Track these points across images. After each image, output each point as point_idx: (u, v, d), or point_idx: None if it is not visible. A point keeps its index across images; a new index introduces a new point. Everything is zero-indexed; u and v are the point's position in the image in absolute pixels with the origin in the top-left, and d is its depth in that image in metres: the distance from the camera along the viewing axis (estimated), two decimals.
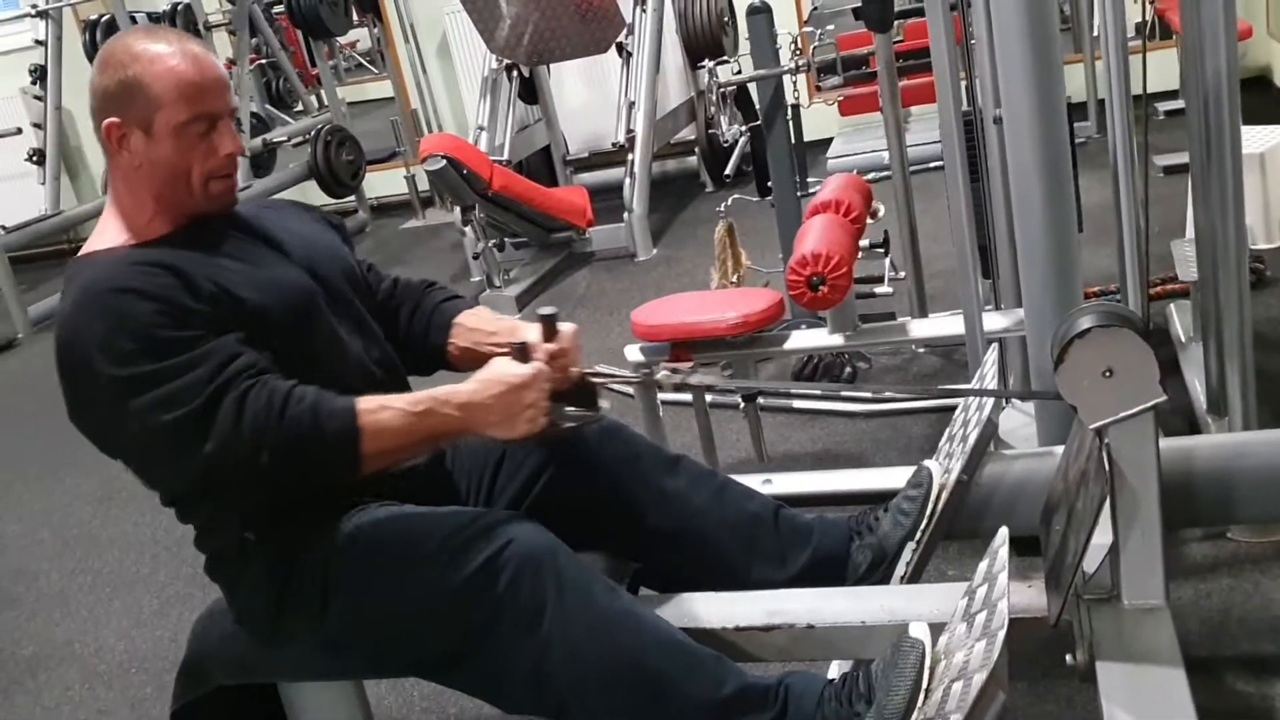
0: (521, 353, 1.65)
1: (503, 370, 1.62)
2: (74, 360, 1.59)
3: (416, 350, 1.92)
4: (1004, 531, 1.42)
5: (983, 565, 1.41)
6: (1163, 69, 2.46)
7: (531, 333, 1.75)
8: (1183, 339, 3.01)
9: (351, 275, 1.87)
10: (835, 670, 1.78)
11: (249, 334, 1.62)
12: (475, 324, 1.91)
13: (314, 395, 1.56)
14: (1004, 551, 1.38)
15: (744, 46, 4.21)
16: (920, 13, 2.62)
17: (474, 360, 1.82)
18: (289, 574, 1.65)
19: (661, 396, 3.08)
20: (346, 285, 1.83)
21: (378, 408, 1.58)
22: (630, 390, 2.99)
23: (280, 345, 1.65)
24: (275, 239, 1.79)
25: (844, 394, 3.25)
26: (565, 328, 1.75)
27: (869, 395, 3.21)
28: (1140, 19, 6.07)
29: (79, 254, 1.72)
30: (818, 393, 3.32)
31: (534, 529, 1.59)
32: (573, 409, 1.71)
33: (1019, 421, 2.63)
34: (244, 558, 1.69)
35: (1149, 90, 5.82)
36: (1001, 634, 1.26)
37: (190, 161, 1.66)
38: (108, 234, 1.72)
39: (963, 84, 2.73)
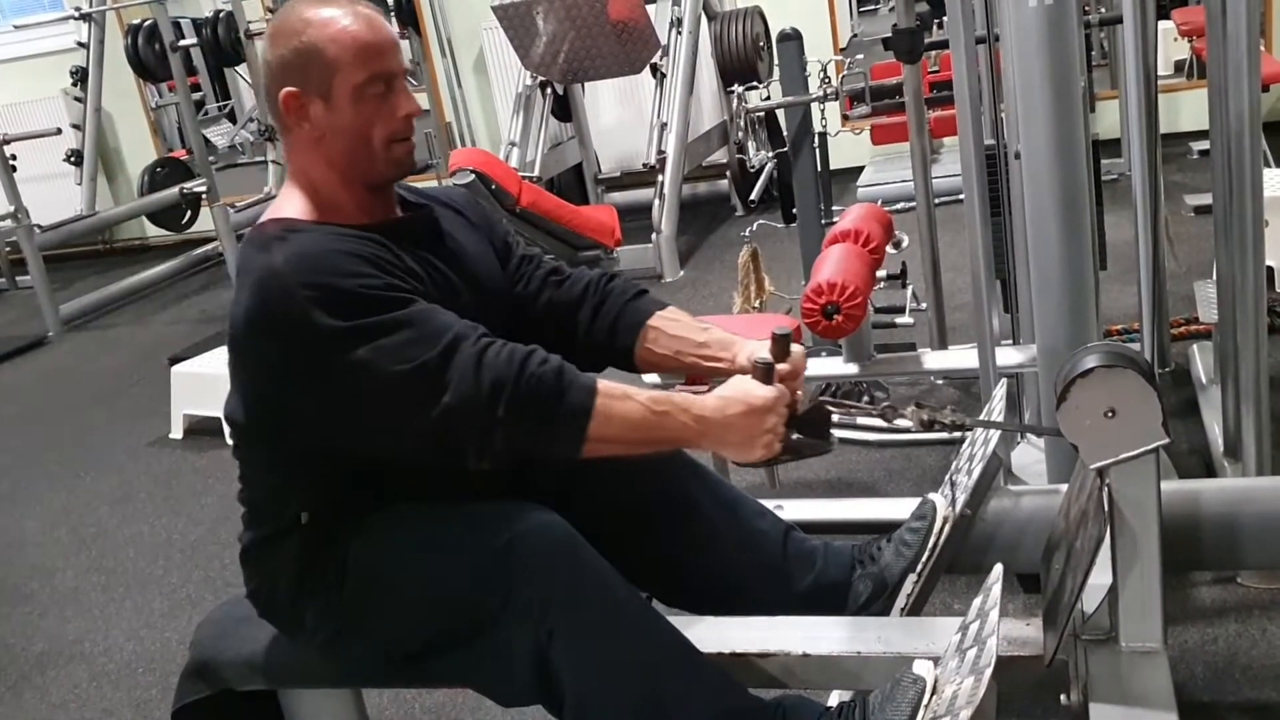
0: (766, 373, 1.58)
1: (749, 390, 1.57)
2: (284, 316, 1.52)
3: (598, 351, 1.84)
4: (999, 568, 1.41)
5: (977, 601, 1.41)
6: (1204, 107, 2.45)
7: (759, 351, 1.67)
8: (1203, 380, 2.99)
9: (505, 304, 1.81)
10: (836, 700, 1.77)
11: None
12: (678, 331, 1.80)
13: (559, 360, 1.53)
14: (997, 588, 1.37)
15: (777, 72, 4.22)
16: None
17: (671, 369, 1.80)
18: (315, 555, 1.64)
19: None
20: (499, 320, 1.74)
21: (620, 394, 1.53)
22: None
23: None
24: (455, 257, 1.73)
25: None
26: (796, 349, 1.68)
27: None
28: (1182, 57, 6.11)
29: (264, 220, 1.65)
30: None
31: (554, 520, 1.57)
32: (805, 438, 1.63)
33: (1033, 457, 2.62)
34: (282, 539, 1.67)
35: (1185, 129, 5.84)
36: (988, 672, 1.25)
37: (371, 125, 1.62)
38: (290, 207, 1.65)
39: (994, 117, 2.73)
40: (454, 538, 1.58)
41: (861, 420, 3.25)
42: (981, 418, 1.99)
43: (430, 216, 1.77)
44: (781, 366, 1.63)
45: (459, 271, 1.72)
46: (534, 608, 1.51)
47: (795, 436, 1.61)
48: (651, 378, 2.14)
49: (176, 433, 4.31)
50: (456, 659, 1.61)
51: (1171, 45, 5.97)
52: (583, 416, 1.51)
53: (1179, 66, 6.22)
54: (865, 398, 3.42)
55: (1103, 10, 5.27)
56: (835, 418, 1.69)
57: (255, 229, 1.64)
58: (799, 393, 1.66)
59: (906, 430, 3.13)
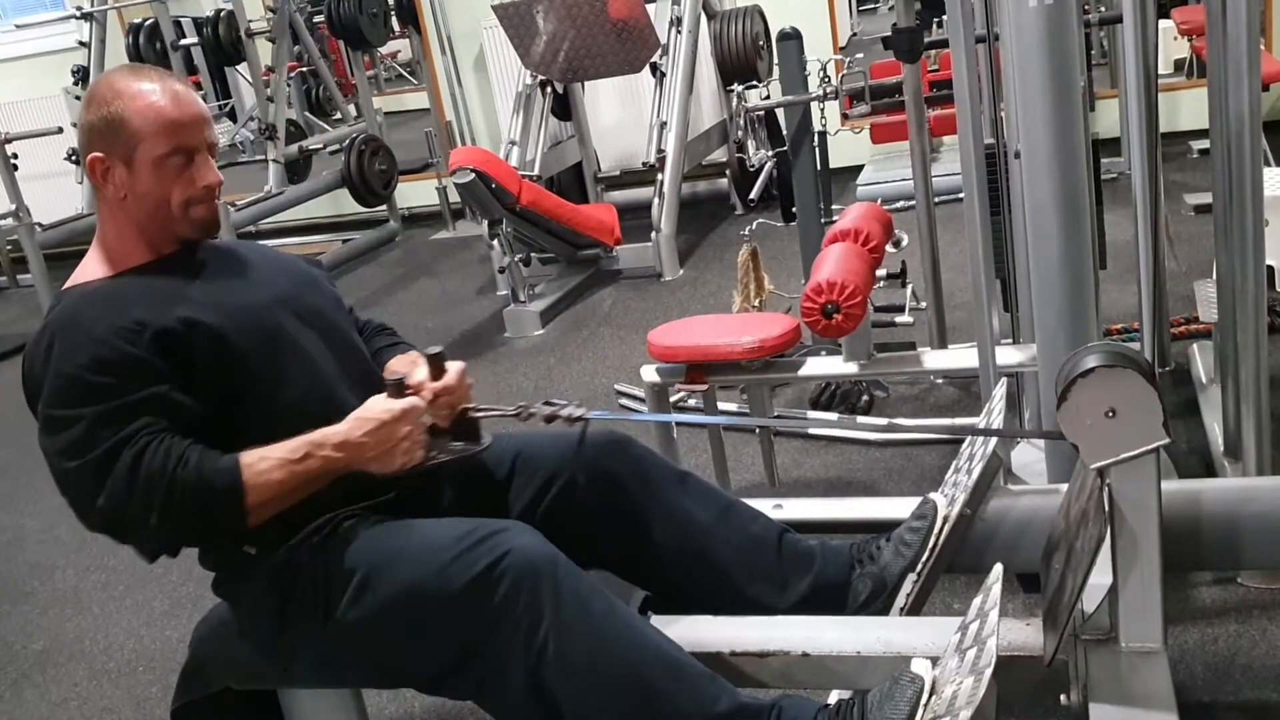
0: (397, 389, 1.71)
1: (376, 407, 1.69)
2: (27, 388, 1.71)
3: None
4: (998, 568, 1.41)
5: (976, 601, 1.41)
6: (1204, 106, 2.45)
7: (419, 371, 1.81)
8: (1203, 380, 2.98)
9: (330, 298, 1.94)
10: (835, 699, 1.77)
11: (214, 355, 1.69)
12: (394, 366, 1.92)
13: (197, 456, 1.61)
14: (997, 588, 1.37)
15: (777, 71, 4.22)
16: None
17: None
18: (291, 587, 1.68)
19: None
20: (322, 305, 1.90)
21: (258, 460, 1.64)
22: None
23: (247, 364, 1.72)
24: (245, 262, 1.87)
25: (777, 427, 3.25)
26: (452, 366, 1.83)
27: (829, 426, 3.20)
28: (1182, 56, 6.11)
29: (62, 288, 1.79)
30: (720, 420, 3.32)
31: (534, 539, 1.60)
32: (456, 443, 1.80)
33: (1033, 457, 2.62)
34: (246, 573, 1.73)
35: (1185, 128, 5.82)
36: (988, 672, 1.25)
37: (170, 191, 1.74)
38: (89, 268, 1.79)
39: (994, 116, 2.73)
40: (437, 565, 1.60)
41: (862, 420, 3.26)
42: (981, 418, 2.00)
43: (223, 245, 1.90)
44: (435, 385, 1.79)
45: (259, 285, 1.83)
46: (521, 630, 1.54)
47: (453, 443, 1.80)
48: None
49: None
50: (455, 680, 1.64)
51: (1171, 44, 5.97)
52: (235, 496, 1.62)
53: (1179, 65, 6.21)
54: (865, 397, 3.41)
55: (1103, 9, 5.26)
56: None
57: (55, 294, 1.79)
58: (458, 405, 1.82)
59: (912, 429, 3.15)
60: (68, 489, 1.64)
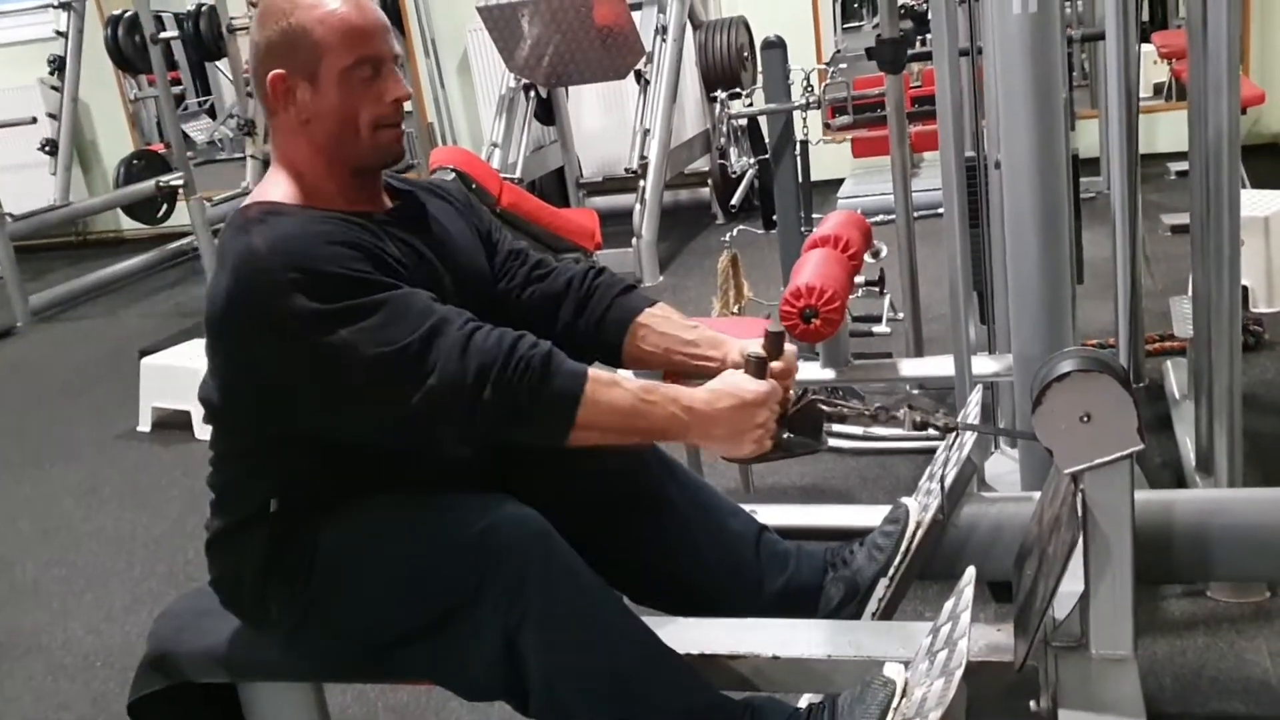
0: (759, 368, 1.57)
1: (739, 384, 1.56)
2: (264, 298, 1.50)
3: (583, 345, 1.78)
4: (971, 571, 1.40)
5: (948, 604, 1.40)
6: (1182, 130, 2.48)
7: (752, 346, 1.64)
8: (1177, 395, 3.00)
9: (487, 295, 1.79)
10: (805, 703, 1.76)
11: None
12: (667, 328, 1.78)
13: (549, 345, 1.51)
14: (969, 591, 1.36)
15: (760, 80, 4.23)
16: None
17: (658, 366, 1.77)
18: (283, 542, 1.61)
19: None
20: (480, 309, 1.69)
21: (609, 381, 1.51)
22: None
23: None
24: (439, 244, 1.72)
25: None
26: (789, 348, 1.66)
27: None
28: (1162, 80, 6.15)
29: (248, 202, 1.63)
30: None
31: (527, 511, 1.55)
32: (796, 436, 1.62)
33: (1007, 467, 2.62)
34: (250, 527, 1.64)
35: (1163, 150, 5.87)
36: (958, 673, 1.24)
37: (358, 109, 1.60)
38: (279, 190, 1.63)
39: (975, 129, 2.74)
40: (426, 528, 1.55)
41: (837, 427, 3.25)
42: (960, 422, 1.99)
43: (417, 203, 1.75)
44: (774, 364, 1.62)
45: (443, 259, 1.70)
46: (505, 596, 1.49)
47: (786, 435, 1.60)
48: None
49: (144, 426, 4.25)
50: (424, 650, 1.59)
51: (1151, 68, 6.01)
52: (571, 402, 1.49)
53: (1158, 89, 6.26)
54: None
55: (1084, 29, 5.30)
56: (829, 417, 1.68)
57: (238, 212, 1.62)
58: (790, 391, 1.64)
59: (888, 438, 3.14)
60: (384, 372, 1.47)
